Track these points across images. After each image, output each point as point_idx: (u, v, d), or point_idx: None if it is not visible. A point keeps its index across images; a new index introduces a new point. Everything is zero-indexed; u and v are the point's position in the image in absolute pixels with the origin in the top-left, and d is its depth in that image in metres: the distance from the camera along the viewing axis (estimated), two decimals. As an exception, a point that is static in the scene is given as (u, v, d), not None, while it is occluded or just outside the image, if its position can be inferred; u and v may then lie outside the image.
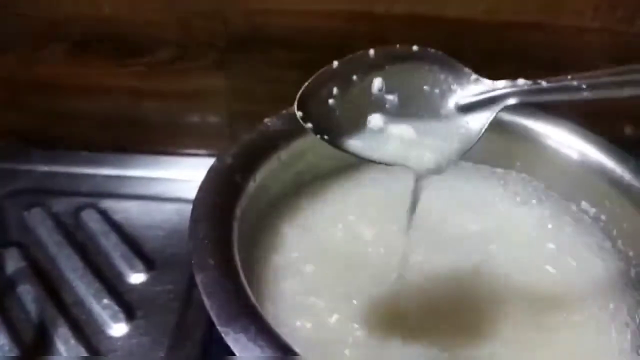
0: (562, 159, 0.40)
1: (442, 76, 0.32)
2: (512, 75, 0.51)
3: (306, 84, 0.31)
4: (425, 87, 0.32)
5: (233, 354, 0.27)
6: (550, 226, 0.40)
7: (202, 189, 0.34)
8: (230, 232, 0.31)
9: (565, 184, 0.41)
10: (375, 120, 0.30)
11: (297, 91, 0.53)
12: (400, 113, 0.30)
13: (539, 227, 0.40)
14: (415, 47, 0.33)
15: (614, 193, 0.37)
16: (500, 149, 0.42)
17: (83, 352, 0.41)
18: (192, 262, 0.29)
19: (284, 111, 0.41)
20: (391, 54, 0.33)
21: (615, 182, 0.38)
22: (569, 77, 0.31)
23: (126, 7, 0.50)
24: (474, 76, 0.33)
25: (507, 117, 0.41)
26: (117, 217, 0.52)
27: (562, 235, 0.40)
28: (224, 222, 0.32)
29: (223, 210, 0.33)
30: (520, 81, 0.32)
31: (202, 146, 0.58)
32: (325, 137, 0.29)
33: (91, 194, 0.53)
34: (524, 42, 0.49)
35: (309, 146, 0.41)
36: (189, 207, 0.51)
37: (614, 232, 0.38)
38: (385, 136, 0.30)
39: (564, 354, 0.33)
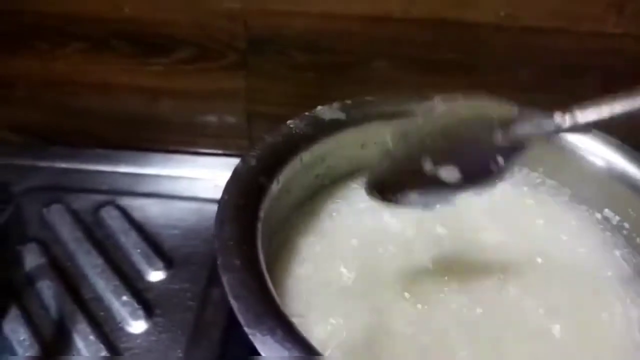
0: (586, 165, 0.41)
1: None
2: (531, 80, 0.51)
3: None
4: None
5: (252, 353, 0.27)
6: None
7: (227, 190, 0.34)
8: (255, 234, 0.32)
9: (589, 191, 0.41)
10: None
11: (315, 92, 0.53)
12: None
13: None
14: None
15: (638, 201, 0.37)
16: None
17: (102, 349, 0.41)
18: (218, 263, 0.29)
19: (306, 113, 0.41)
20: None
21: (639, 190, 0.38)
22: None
23: (147, 7, 0.51)
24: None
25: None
26: (136, 214, 0.52)
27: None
28: (248, 223, 0.32)
29: (248, 212, 0.33)
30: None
31: (220, 146, 0.58)
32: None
33: (110, 192, 0.54)
34: (545, 47, 0.49)
35: (330, 150, 0.41)
36: (207, 205, 0.52)
37: (637, 240, 0.38)
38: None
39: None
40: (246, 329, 0.26)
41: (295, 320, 0.27)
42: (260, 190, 0.35)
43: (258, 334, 0.26)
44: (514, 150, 0.32)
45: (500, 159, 0.32)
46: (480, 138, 0.32)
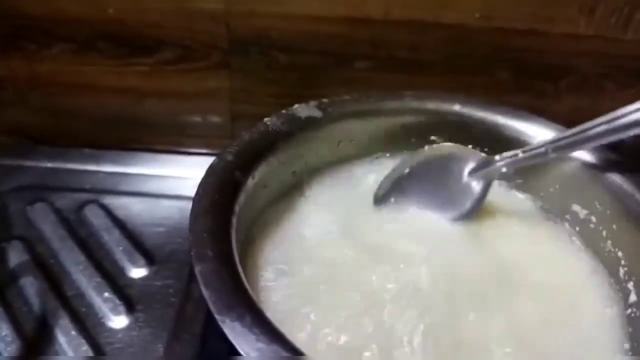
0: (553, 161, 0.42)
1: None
2: (507, 81, 0.53)
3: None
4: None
5: (231, 348, 0.28)
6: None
7: (202, 184, 0.35)
8: (228, 226, 0.32)
9: (557, 186, 0.42)
10: None
11: (297, 92, 0.54)
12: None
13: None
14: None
15: (604, 195, 0.38)
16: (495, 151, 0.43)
17: (83, 343, 0.42)
18: (192, 253, 0.30)
19: (283, 111, 0.42)
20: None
21: (606, 185, 0.38)
22: (539, 144, 0.39)
23: (131, 8, 0.52)
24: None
25: (500, 119, 0.43)
26: (119, 213, 0.53)
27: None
28: (223, 216, 0.33)
29: (222, 206, 0.34)
30: (504, 155, 0.40)
31: (204, 145, 0.59)
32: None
33: (94, 190, 0.55)
34: (519, 48, 0.51)
35: (306, 147, 0.42)
36: (190, 204, 0.52)
37: (604, 234, 0.39)
38: None
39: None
40: (216, 316, 0.27)
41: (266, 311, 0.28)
42: (235, 185, 0.35)
43: (227, 321, 0.27)
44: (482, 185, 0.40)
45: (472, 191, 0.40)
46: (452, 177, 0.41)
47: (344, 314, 0.34)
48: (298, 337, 0.31)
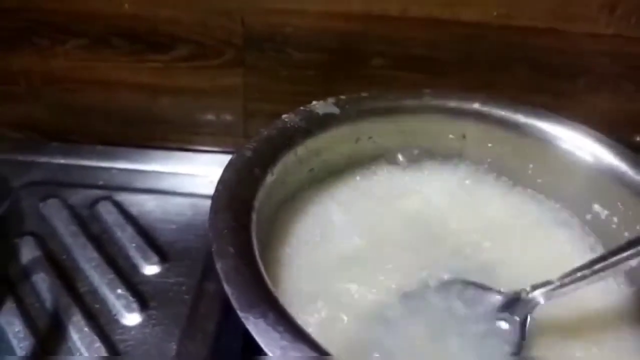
0: (575, 161, 0.41)
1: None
2: (525, 81, 0.52)
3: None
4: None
5: (246, 346, 0.27)
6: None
7: (222, 180, 0.34)
8: (249, 222, 0.32)
9: (578, 186, 0.41)
10: None
11: (312, 90, 0.54)
12: None
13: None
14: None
15: (626, 195, 0.38)
16: (516, 150, 0.43)
17: (96, 340, 0.41)
18: (212, 250, 0.30)
19: (301, 107, 0.41)
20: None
21: (628, 185, 0.38)
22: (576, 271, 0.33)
23: (146, 4, 0.51)
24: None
25: (523, 119, 0.42)
26: (132, 210, 0.52)
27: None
28: (243, 212, 0.33)
29: (242, 202, 0.33)
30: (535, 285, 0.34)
31: (217, 143, 0.58)
32: None
33: (107, 187, 0.54)
34: (538, 47, 0.50)
35: (325, 145, 0.42)
36: (203, 201, 0.52)
37: (626, 234, 0.38)
38: None
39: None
40: (239, 313, 0.26)
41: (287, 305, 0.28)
42: (254, 181, 0.35)
43: (251, 318, 0.26)
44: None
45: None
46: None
47: (362, 312, 0.33)
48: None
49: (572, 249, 0.40)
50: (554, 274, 0.33)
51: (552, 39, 0.49)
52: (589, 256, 0.35)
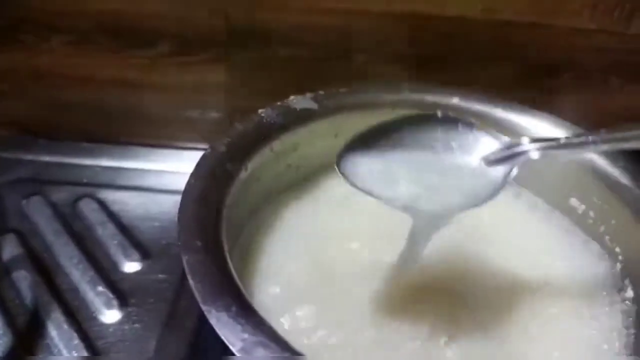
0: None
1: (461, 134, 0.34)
2: (510, 76, 0.52)
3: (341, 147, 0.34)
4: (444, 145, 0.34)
5: (223, 343, 0.27)
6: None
7: (193, 175, 0.34)
8: (219, 217, 0.32)
9: (554, 180, 0.41)
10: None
11: (296, 86, 0.54)
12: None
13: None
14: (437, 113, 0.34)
15: (602, 189, 0.37)
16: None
17: (75, 337, 0.41)
18: (179, 243, 0.29)
19: (278, 103, 0.41)
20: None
21: (604, 179, 0.38)
22: (585, 134, 0.32)
23: (130, 0, 0.51)
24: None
25: (499, 114, 0.42)
26: (115, 207, 0.52)
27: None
28: (212, 207, 0.32)
29: (213, 196, 0.33)
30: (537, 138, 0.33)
31: (201, 140, 0.58)
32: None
33: (90, 184, 0.54)
34: (522, 42, 0.50)
35: (302, 139, 0.41)
36: (186, 199, 0.52)
37: (602, 229, 0.38)
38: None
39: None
40: (202, 306, 0.26)
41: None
42: (227, 176, 0.35)
43: (213, 311, 0.26)
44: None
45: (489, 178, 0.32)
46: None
47: (337, 314, 0.33)
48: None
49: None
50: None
51: (537, 34, 0.49)
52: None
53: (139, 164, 0.57)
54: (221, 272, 0.28)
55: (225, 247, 0.30)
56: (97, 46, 0.54)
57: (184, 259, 0.28)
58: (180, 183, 0.54)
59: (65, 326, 0.42)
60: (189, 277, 0.27)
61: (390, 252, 0.34)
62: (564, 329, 0.34)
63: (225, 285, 0.27)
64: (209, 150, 0.36)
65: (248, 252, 0.36)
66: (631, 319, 0.34)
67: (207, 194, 0.33)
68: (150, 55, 0.54)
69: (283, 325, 0.32)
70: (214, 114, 0.57)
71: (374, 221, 0.38)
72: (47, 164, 0.56)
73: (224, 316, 0.25)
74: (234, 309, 0.26)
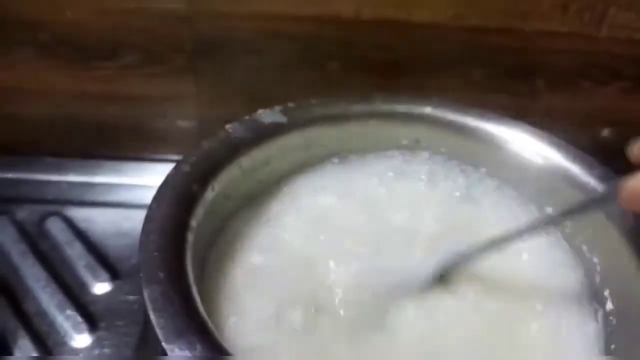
0: (526, 163, 0.40)
1: None
2: (483, 81, 0.51)
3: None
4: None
5: None
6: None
7: (156, 199, 0.33)
8: (183, 245, 0.31)
9: (530, 188, 0.40)
10: None
11: (266, 95, 0.53)
12: None
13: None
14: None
15: (578, 198, 0.37)
16: (467, 154, 0.42)
17: (43, 365, 0.40)
18: (141, 275, 0.28)
19: (246, 117, 0.40)
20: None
21: (580, 188, 0.37)
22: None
23: (89, 10, 0.49)
24: None
25: (472, 122, 0.41)
26: (83, 225, 0.51)
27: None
28: (177, 233, 0.31)
29: (177, 222, 0.32)
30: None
31: (172, 151, 0.57)
32: None
33: (56, 202, 0.52)
34: (494, 47, 0.49)
35: (273, 154, 0.40)
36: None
37: (579, 238, 0.38)
38: None
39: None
40: (164, 345, 0.25)
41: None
42: (192, 198, 0.33)
43: (176, 350, 0.25)
44: None
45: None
46: None
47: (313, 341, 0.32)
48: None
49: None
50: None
51: (508, 39, 0.49)
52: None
53: (108, 178, 0.55)
54: (186, 305, 0.27)
55: (191, 277, 0.29)
56: (57, 59, 0.52)
57: (145, 293, 0.27)
58: (150, 197, 0.53)
59: (34, 353, 0.41)
60: (150, 312, 0.26)
61: (361, 272, 0.33)
62: (542, 345, 0.34)
63: (189, 321, 0.26)
64: (172, 172, 0.35)
65: (216, 277, 0.34)
66: (610, 329, 0.34)
67: (170, 219, 0.32)
68: (114, 66, 0.52)
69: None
70: (184, 124, 0.56)
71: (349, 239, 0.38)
72: (10, 180, 0.54)
73: (187, 356, 0.24)
74: (198, 347, 0.25)
